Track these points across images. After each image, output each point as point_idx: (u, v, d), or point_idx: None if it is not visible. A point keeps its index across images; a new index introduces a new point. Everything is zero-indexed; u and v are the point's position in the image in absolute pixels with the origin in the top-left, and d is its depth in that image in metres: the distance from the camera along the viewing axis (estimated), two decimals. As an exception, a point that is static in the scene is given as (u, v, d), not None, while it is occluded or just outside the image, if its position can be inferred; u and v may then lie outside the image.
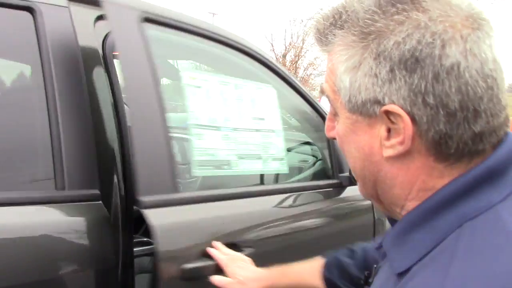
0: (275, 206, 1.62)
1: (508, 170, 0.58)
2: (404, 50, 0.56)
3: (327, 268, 1.21)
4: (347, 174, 1.97)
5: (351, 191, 1.96)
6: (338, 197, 1.94)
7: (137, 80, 1.23)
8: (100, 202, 1.15)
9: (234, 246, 1.34)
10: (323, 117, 1.96)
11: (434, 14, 0.55)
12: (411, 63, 0.55)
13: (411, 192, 0.61)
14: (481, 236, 0.54)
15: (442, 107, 0.56)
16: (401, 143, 0.58)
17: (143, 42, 1.25)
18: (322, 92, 0.69)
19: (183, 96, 1.37)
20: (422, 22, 0.55)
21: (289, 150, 2.10)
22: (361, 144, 0.63)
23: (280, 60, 24.09)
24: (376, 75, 0.58)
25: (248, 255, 1.35)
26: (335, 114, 0.68)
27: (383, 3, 0.58)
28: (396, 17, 0.56)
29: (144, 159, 1.19)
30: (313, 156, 2.08)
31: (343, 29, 0.62)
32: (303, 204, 1.74)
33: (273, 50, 24.40)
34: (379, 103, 0.59)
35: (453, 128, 0.56)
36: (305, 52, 24.28)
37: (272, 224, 1.55)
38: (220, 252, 1.25)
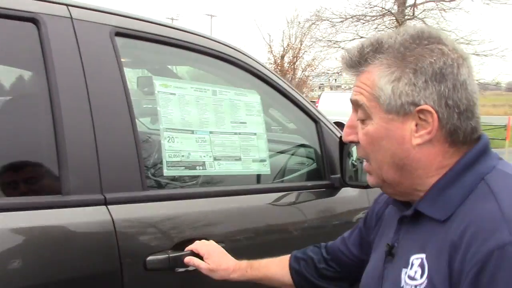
0: (267, 204, 1.72)
1: (490, 149, 0.91)
2: (435, 67, 0.85)
3: (294, 260, 1.35)
4: (338, 175, 2.02)
5: (343, 192, 2.01)
6: (330, 197, 1.99)
7: (108, 91, 1.37)
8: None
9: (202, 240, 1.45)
10: (314, 120, 2.02)
11: (450, 47, 0.87)
12: (439, 76, 0.85)
13: (431, 170, 0.89)
14: (501, 180, 0.85)
15: (456, 108, 0.86)
16: (429, 133, 0.86)
17: (115, 55, 1.39)
18: (356, 104, 0.93)
19: (157, 102, 1.50)
20: (445, 51, 0.86)
21: (280, 152, 2.18)
22: (394, 136, 0.89)
23: (279, 61, 24.04)
24: (414, 84, 0.86)
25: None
26: (364, 119, 0.92)
27: (416, 39, 0.87)
28: (428, 46, 0.86)
29: (111, 159, 1.32)
30: (307, 157, 2.14)
31: (383, 53, 0.88)
32: (289, 203, 1.81)
33: (271, 51, 24.38)
34: (415, 104, 0.86)
35: (461, 123, 0.86)
36: (303, 53, 24.07)
37: (249, 221, 1.64)
38: (198, 242, 1.37)
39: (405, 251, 0.92)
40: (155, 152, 1.53)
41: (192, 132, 1.56)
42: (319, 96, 20.92)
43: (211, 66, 1.83)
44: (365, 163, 0.99)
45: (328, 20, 14.35)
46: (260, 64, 1.90)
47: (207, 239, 1.45)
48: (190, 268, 1.38)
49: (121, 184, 1.35)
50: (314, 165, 2.08)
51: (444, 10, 13.25)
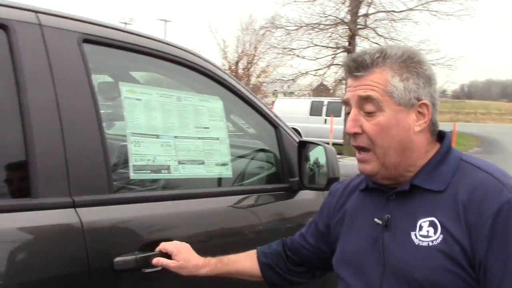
0: (229, 206, 1.78)
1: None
2: (428, 74, 1.14)
3: (262, 255, 1.47)
4: (297, 178, 2.11)
5: (301, 195, 2.10)
6: (289, 199, 2.08)
7: (76, 96, 1.40)
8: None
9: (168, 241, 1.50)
10: (274, 126, 2.11)
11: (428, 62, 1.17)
12: (430, 80, 1.14)
13: (421, 153, 1.15)
14: (475, 160, 1.14)
15: (435, 105, 1.15)
16: (425, 122, 1.13)
17: (82, 62, 1.42)
18: (367, 98, 1.11)
19: (124, 108, 1.54)
20: (429, 64, 1.16)
21: (242, 156, 2.25)
22: (402, 125, 1.11)
23: (233, 67, 24.22)
24: (417, 84, 1.12)
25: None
26: (374, 112, 1.12)
27: (411, 53, 1.14)
28: (421, 58, 1.15)
29: (79, 163, 1.35)
30: (267, 161, 2.22)
31: (391, 59, 1.12)
32: (251, 205, 1.89)
33: (226, 57, 24.57)
34: (418, 99, 1.12)
35: (436, 118, 1.16)
36: (258, 60, 24.37)
37: (213, 223, 1.70)
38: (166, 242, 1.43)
39: (406, 219, 1.13)
40: (122, 156, 1.56)
41: (158, 136, 1.61)
42: (273, 102, 21.14)
43: (176, 73, 1.88)
44: (362, 154, 1.16)
45: (283, 27, 14.57)
46: (222, 71, 1.97)
47: (170, 240, 1.50)
48: (157, 269, 1.43)
49: (89, 187, 1.38)
50: (273, 169, 2.16)
51: (394, 20, 13.71)
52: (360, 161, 1.18)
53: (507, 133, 28.22)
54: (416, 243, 1.08)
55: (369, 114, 1.12)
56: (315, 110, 17.88)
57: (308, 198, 2.14)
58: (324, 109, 17.81)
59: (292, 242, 1.49)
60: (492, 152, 16.22)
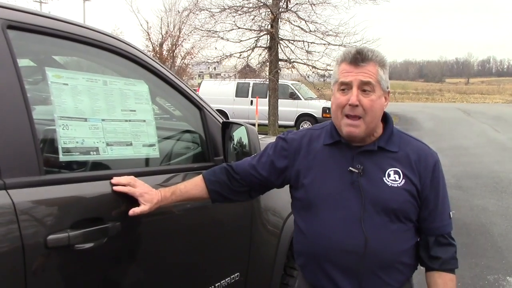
0: (157, 185, 1.86)
1: None
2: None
3: (210, 182, 1.83)
4: (221, 157, 2.24)
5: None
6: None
7: (3, 81, 1.43)
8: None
9: (100, 219, 1.58)
10: (199, 108, 2.22)
11: None
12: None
13: (380, 125, 1.68)
14: (406, 133, 1.75)
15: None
16: (387, 104, 1.66)
17: (7, 47, 1.45)
18: (366, 83, 1.58)
19: (51, 92, 1.58)
20: None
21: (169, 138, 2.34)
22: (381, 103, 1.62)
23: (157, 49, 23.76)
24: (387, 77, 1.63)
25: (114, 228, 1.60)
26: (370, 91, 1.57)
27: (384, 57, 1.63)
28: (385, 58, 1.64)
29: (8, 147, 1.39)
30: (193, 142, 2.32)
31: (377, 57, 1.60)
32: (178, 184, 1.99)
33: (149, 39, 23.89)
34: (388, 87, 1.65)
35: None
36: (182, 41, 23.95)
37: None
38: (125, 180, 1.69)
39: (375, 169, 1.63)
40: (51, 139, 1.61)
41: (85, 120, 1.67)
42: (199, 84, 20.98)
43: (100, 58, 1.93)
44: (355, 121, 1.58)
45: (206, 10, 14.51)
46: (146, 55, 2.04)
47: (102, 219, 1.58)
48: (89, 245, 1.51)
49: (20, 169, 1.42)
50: (199, 149, 2.27)
51: (314, 4, 14.09)
52: (351, 125, 1.59)
53: (422, 111, 30.04)
54: (389, 185, 1.61)
55: (365, 92, 1.58)
56: (240, 92, 18.07)
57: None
58: (250, 90, 18.04)
59: (239, 168, 1.85)
60: (409, 129, 17.28)
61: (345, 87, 1.59)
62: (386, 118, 1.71)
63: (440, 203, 1.67)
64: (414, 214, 1.65)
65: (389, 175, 1.62)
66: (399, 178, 1.62)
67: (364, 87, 1.57)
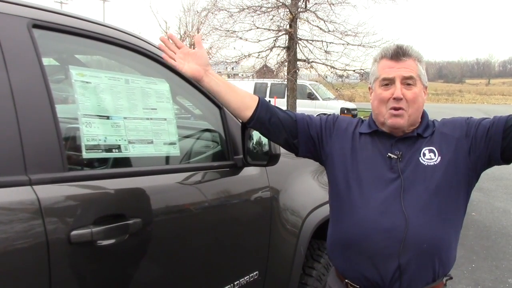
0: (177, 182, 1.89)
1: None
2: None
3: (263, 106, 1.76)
4: (241, 156, 2.25)
5: (245, 171, 2.24)
6: (234, 175, 2.22)
7: (29, 79, 1.46)
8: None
9: (122, 216, 1.60)
10: (219, 107, 2.23)
11: None
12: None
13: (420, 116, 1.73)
14: (436, 120, 1.80)
15: None
16: (426, 98, 1.73)
17: (33, 46, 1.48)
18: (409, 77, 1.63)
19: (75, 90, 1.61)
20: None
21: (189, 136, 2.36)
22: (422, 96, 1.68)
23: None
24: (425, 73, 1.70)
25: (135, 224, 1.62)
26: (412, 85, 1.64)
27: (420, 53, 1.69)
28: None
29: (34, 144, 1.42)
30: (213, 141, 2.34)
31: (416, 54, 1.66)
32: (198, 182, 2.01)
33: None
34: (426, 82, 1.71)
35: None
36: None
37: (162, 198, 1.81)
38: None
39: (412, 153, 1.67)
40: (75, 137, 1.63)
41: (108, 117, 1.69)
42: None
43: (122, 56, 1.95)
44: (400, 111, 1.63)
45: (225, 10, 14.56)
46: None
47: (124, 216, 1.61)
48: (110, 241, 1.54)
49: (44, 166, 1.45)
50: (219, 148, 2.28)
51: (333, 4, 14.04)
52: (396, 116, 1.64)
53: (441, 112, 29.64)
54: (425, 164, 1.65)
55: (408, 86, 1.64)
56: (258, 92, 18.08)
57: (251, 174, 2.29)
58: (268, 90, 18.05)
59: (301, 121, 1.81)
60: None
61: (388, 81, 1.65)
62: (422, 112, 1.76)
63: (488, 119, 1.67)
64: (460, 181, 1.65)
65: (424, 155, 1.66)
66: (435, 156, 1.65)
67: (407, 81, 1.63)
